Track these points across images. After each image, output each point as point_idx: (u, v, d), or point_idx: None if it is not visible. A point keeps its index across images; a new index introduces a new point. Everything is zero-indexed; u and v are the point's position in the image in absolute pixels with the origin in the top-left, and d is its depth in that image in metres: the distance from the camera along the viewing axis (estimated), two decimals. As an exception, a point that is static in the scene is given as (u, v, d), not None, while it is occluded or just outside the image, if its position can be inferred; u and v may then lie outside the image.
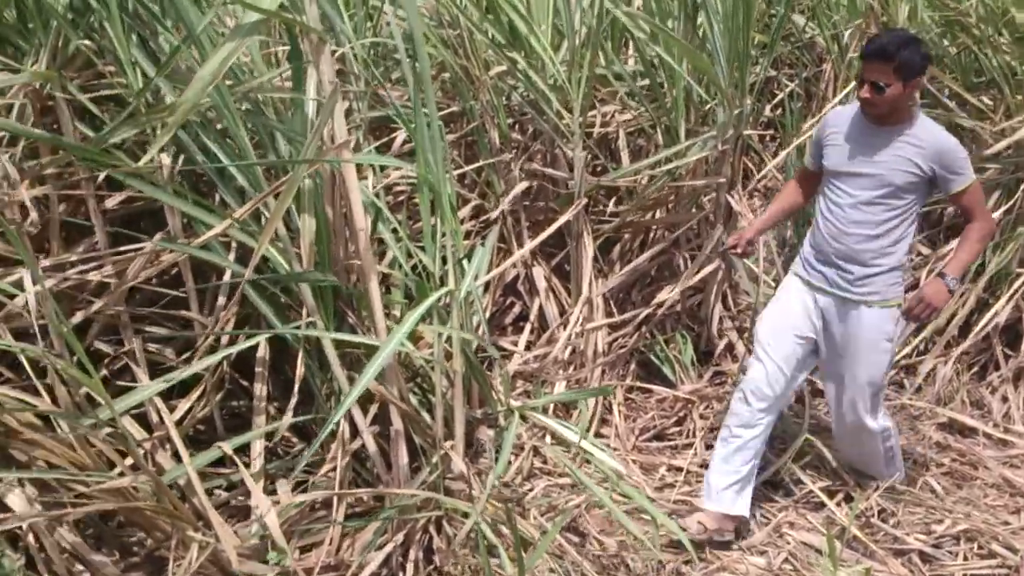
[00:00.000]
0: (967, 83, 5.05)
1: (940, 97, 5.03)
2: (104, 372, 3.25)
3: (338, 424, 3.27)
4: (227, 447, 3.10)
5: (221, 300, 3.36)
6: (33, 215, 2.92)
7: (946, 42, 5.22)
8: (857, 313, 3.46)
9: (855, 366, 3.52)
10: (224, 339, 3.28)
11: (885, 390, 3.68)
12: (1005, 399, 4.65)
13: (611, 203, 4.97)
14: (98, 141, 2.95)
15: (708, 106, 4.74)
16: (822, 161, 3.55)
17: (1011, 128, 4.67)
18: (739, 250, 3.79)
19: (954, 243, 4.76)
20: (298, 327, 3.23)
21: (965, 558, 3.64)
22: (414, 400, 3.44)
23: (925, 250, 5.16)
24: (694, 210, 4.75)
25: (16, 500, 2.61)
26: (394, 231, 3.58)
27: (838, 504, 3.91)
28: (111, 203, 3.31)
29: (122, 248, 3.25)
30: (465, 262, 3.67)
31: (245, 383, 3.51)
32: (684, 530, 3.42)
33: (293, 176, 2.79)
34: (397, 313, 3.66)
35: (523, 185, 4.54)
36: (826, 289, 3.53)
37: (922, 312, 3.36)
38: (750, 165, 5.81)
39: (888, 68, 3.20)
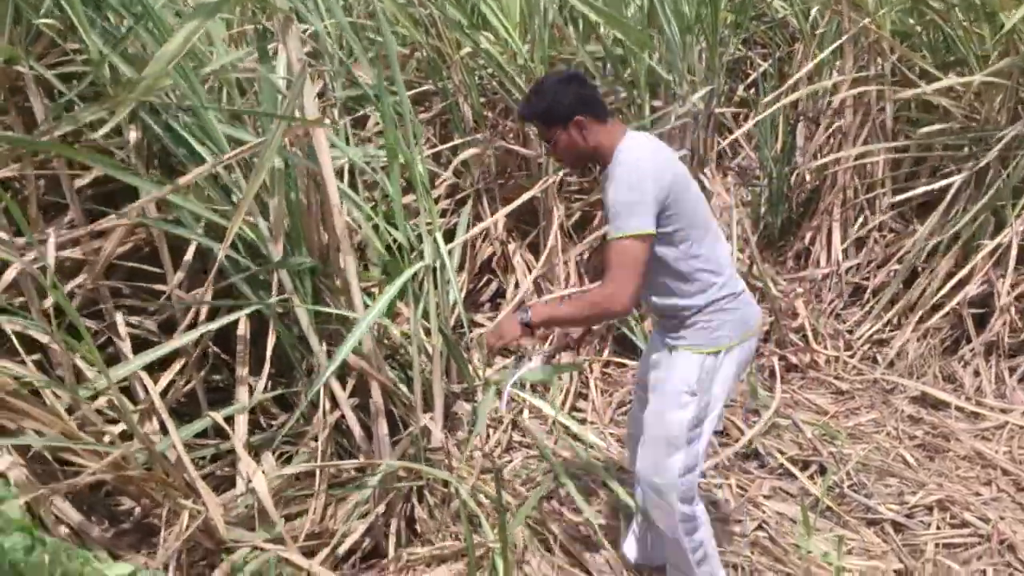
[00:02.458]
0: (936, 61, 5.11)
1: (910, 76, 5.09)
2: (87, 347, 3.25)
3: (319, 397, 3.30)
4: (218, 416, 3.11)
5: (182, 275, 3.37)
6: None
7: (912, 20, 5.28)
8: (667, 357, 2.90)
9: (651, 412, 2.94)
10: (204, 314, 3.29)
11: (686, 463, 2.89)
12: (977, 373, 4.71)
13: (583, 181, 5.01)
14: (51, 127, 2.96)
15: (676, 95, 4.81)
16: None
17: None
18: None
19: (927, 222, 4.86)
20: (280, 300, 3.24)
21: (937, 527, 3.70)
22: (393, 375, 3.47)
23: (896, 226, 5.22)
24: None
25: (10, 469, 2.62)
26: (373, 208, 3.60)
27: (810, 476, 3.97)
28: (85, 181, 3.31)
29: (98, 223, 3.25)
30: (439, 237, 3.69)
31: (225, 357, 3.53)
32: None
33: (264, 154, 2.80)
34: (375, 290, 3.68)
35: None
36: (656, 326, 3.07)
37: (490, 339, 2.91)
38: (725, 146, 5.86)
39: (538, 126, 2.84)
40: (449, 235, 4.23)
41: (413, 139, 3.38)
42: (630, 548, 3.31)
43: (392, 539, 3.21)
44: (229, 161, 2.92)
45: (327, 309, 3.27)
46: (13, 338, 2.90)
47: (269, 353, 3.20)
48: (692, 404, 2.82)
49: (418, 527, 3.31)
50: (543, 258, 4.51)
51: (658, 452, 2.89)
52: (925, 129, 5.08)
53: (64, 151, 2.99)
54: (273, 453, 3.42)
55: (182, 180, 2.85)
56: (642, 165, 2.65)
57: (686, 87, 4.59)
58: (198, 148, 3.08)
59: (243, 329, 3.32)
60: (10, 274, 2.98)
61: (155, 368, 3.28)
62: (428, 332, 3.43)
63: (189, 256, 3.32)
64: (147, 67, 2.43)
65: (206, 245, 3.25)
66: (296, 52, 2.86)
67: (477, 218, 4.60)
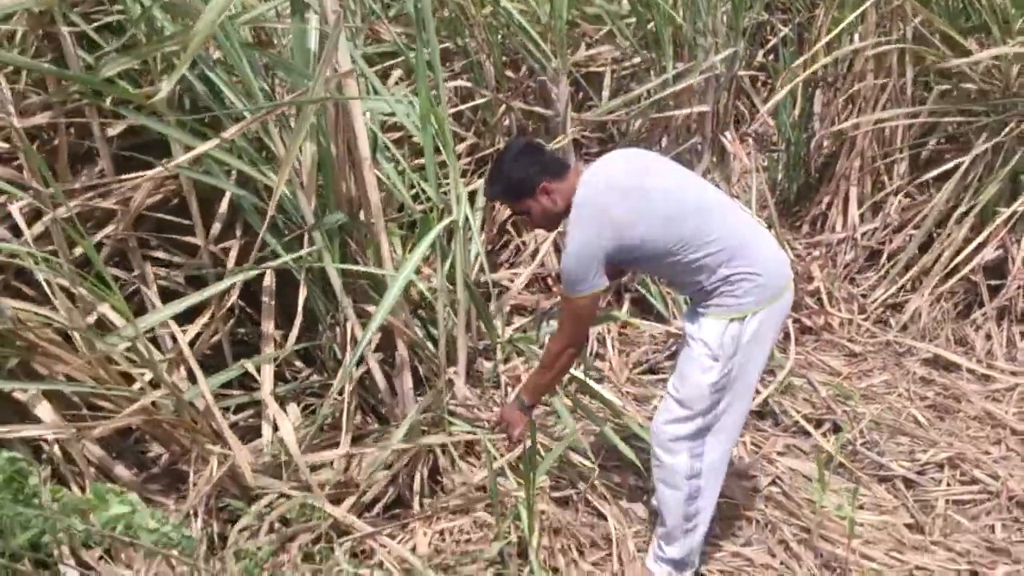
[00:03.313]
0: (956, 26, 5.09)
1: (932, 40, 5.07)
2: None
3: (343, 350, 3.35)
4: (249, 364, 3.18)
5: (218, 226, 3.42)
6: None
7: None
8: (696, 323, 2.88)
9: (676, 373, 2.98)
10: (230, 266, 3.34)
11: (696, 425, 2.94)
12: (988, 337, 4.76)
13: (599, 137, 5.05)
14: (99, 71, 2.98)
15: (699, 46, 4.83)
16: None
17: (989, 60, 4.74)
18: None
19: (944, 188, 4.90)
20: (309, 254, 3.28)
21: (948, 484, 3.78)
22: (417, 330, 3.51)
23: (913, 191, 5.24)
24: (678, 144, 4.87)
25: (44, 411, 2.68)
26: (395, 163, 3.63)
27: (824, 434, 4.03)
28: (116, 131, 3.34)
29: (128, 176, 3.29)
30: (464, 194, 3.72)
31: (250, 311, 3.58)
32: None
33: (304, 108, 2.83)
34: (396, 244, 3.72)
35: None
36: None
37: (503, 432, 3.14)
38: (743, 109, 5.87)
39: (508, 203, 3.03)
40: (469, 195, 4.25)
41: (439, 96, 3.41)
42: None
43: (416, 487, 3.28)
44: (269, 115, 2.94)
45: (361, 268, 3.29)
46: (45, 285, 2.95)
47: (301, 307, 3.24)
48: (715, 369, 2.85)
49: (441, 478, 3.37)
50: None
51: (673, 411, 2.95)
52: (940, 87, 5.06)
53: (122, 93, 3.00)
54: (298, 405, 3.48)
55: (226, 134, 2.88)
56: (585, 225, 2.76)
57: (710, 40, 4.59)
58: (235, 100, 3.10)
59: (269, 280, 3.37)
60: (38, 227, 3.03)
61: (181, 320, 3.33)
62: (452, 287, 3.48)
63: (223, 208, 3.35)
64: (198, 20, 2.45)
65: (238, 197, 3.29)
66: (331, 3, 2.87)
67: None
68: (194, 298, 3.16)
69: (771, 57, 6.17)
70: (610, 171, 2.85)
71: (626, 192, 2.77)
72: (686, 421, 2.93)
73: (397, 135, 4.29)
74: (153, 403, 2.84)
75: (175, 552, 2.24)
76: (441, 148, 3.43)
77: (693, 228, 2.75)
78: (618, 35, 4.80)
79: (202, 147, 2.81)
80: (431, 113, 3.22)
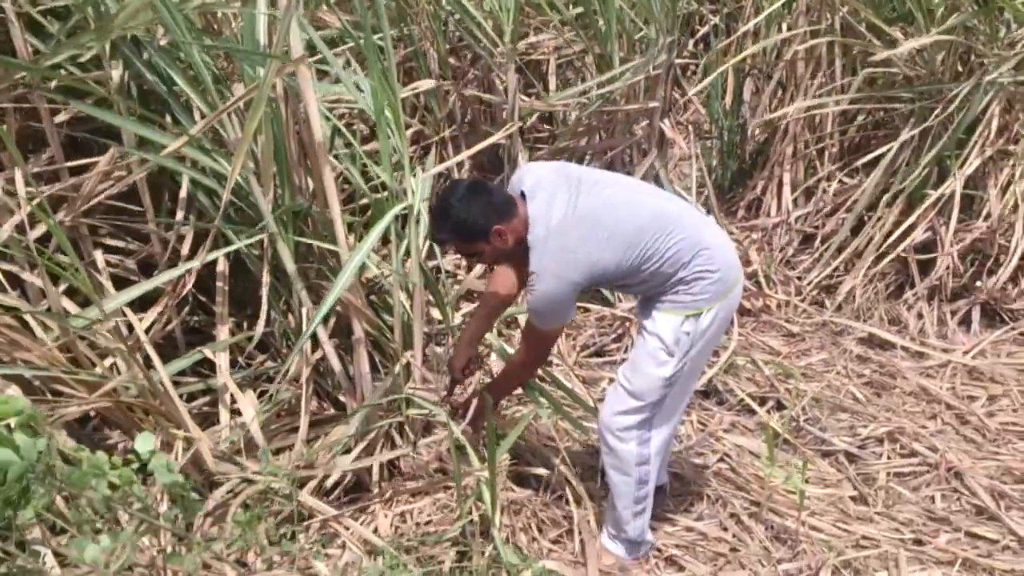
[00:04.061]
0: (882, 16, 5.26)
1: (859, 29, 5.24)
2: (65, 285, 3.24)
3: (298, 336, 3.34)
4: (207, 351, 3.18)
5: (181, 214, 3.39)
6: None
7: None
8: (651, 317, 2.91)
9: (628, 362, 3.03)
10: (184, 253, 3.31)
11: (644, 415, 3.00)
12: (920, 315, 4.95)
13: (549, 127, 5.09)
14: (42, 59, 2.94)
15: (640, 35, 4.89)
16: None
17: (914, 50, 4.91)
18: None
19: (874, 172, 5.07)
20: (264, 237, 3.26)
21: (888, 458, 3.93)
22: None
23: (844, 176, 5.41)
24: (628, 136, 4.91)
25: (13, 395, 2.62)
26: (348, 146, 3.63)
27: (768, 412, 4.15)
28: (65, 116, 3.28)
29: (80, 162, 3.24)
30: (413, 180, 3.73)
31: (202, 298, 3.54)
32: None
33: (259, 95, 2.81)
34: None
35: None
36: None
37: (472, 425, 3.25)
38: (676, 97, 5.98)
39: (457, 244, 2.92)
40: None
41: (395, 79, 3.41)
42: None
43: (375, 471, 3.29)
44: (230, 109, 2.91)
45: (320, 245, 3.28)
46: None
47: (265, 293, 3.22)
48: (669, 364, 2.89)
49: (399, 462, 3.39)
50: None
51: (624, 401, 2.99)
52: (865, 71, 5.21)
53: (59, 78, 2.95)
54: (254, 391, 3.46)
55: (193, 130, 2.85)
56: (551, 268, 2.72)
57: (664, 39, 4.67)
58: (186, 88, 3.06)
59: (223, 267, 3.34)
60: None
61: (132, 308, 3.28)
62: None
63: (183, 193, 3.32)
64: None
65: (191, 186, 3.26)
66: (281, -12, 2.87)
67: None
68: (150, 284, 3.12)
69: (701, 47, 6.31)
70: (558, 204, 2.75)
71: (582, 226, 2.74)
72: (636, 412, 2.99)
73: (343, 122, 4.28)
74: (114, 389, 2.81)
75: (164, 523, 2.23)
76: (393, 134, 3.44)
77: (653, 239, 2.76)
78: (558, 24, 4.84)
79: (175, 144, 2.79)
80: (386, 99, 3.22)
